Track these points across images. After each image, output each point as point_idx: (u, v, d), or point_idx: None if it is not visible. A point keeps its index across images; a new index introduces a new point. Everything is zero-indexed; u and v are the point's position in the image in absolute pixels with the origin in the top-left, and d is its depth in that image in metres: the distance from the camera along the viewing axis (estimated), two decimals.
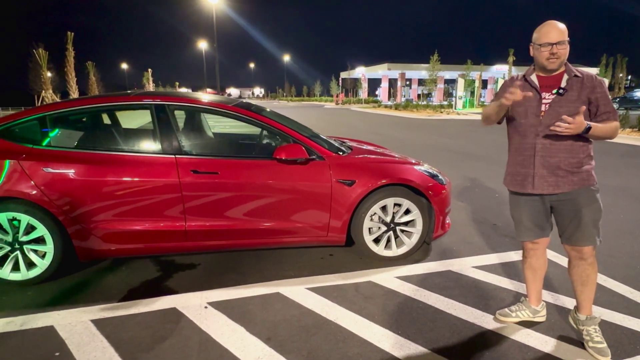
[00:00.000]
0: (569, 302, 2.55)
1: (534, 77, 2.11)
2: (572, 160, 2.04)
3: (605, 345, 2.09)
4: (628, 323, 2.35)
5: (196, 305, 2.55)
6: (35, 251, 2.77)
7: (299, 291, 2.73)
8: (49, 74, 25.63)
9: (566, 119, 1.86)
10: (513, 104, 2.07)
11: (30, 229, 2.72)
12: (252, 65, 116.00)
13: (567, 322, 2.34)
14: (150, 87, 51.74)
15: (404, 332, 2.28)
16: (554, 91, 2.03)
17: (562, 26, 1.97)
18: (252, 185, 2.92)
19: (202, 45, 47.25)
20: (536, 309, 2.38)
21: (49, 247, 2.74)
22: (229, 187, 2.88)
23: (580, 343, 2.16)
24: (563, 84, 2.01)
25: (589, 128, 1.90)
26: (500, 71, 41.59)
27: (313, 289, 2.76)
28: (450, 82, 52.47)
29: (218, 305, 2.55)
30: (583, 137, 2.00)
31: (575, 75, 2.01)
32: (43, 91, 24.32)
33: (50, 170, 2.70)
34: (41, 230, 2.71)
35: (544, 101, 2.05)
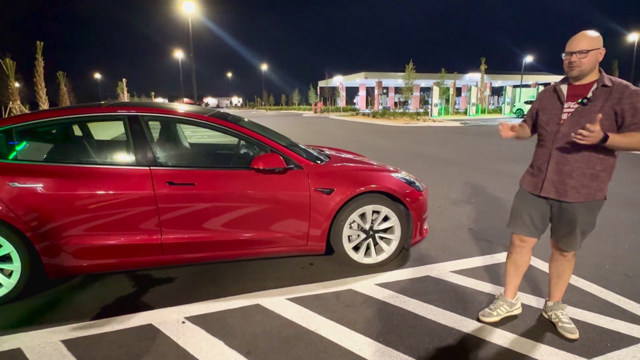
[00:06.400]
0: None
1: (564, 87, 2.14)
2: (587, 171, 2.05)
3: (573, 325, 2.30)
4: (599, 321, 2.43)
5: (173, 321, 2.48)
6: (0, 270, 2.64)
7: (279, 302, 2.70)
8: (17, 85, 24.75)
9: (588, 127, 1.84)
10: (539, 113, 2.23)
11: None
12: (229, 74, 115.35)
13: (543, 324, 2.42)
14: (125, 97, 50.71)
15: (384, 339, 2.28)
16: (579, 101, 2.05)
17: (589, 35, 1.98)
18: (230, 196, 2.88)
19: (179, 54, 46.70)
20: (512, 301, 2.48)
21: (16, 265, 2.62)
22: (205, 198, 2.84)
23: (557, 343, 2.22)
24: (589, 94, 2.02)
25: (606, 138, 1.87)
26: (473, 79, 42.82)
27: (293, 299, 2.73)
28: (426, 90, 53.67)
29: (196, 320, 2.49)
30: (605, 149, 2.00)
31: (604, 85, 1.99)
32: (10, 102, 23.45)
33: (17, 184, 2.59)
34: (7, 247, 2.59)
35: (565, 110, 2.09)
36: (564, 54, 2.05)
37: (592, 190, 2.08)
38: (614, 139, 1.90)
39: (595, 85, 2.03)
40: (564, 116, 2.09)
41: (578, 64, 1.99)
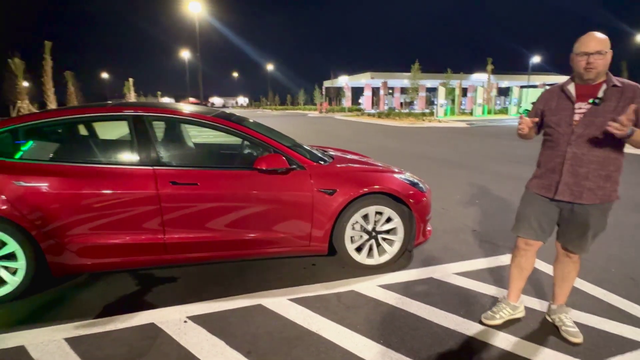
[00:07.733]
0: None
1: (571, 87, 2.11)
2: (602, 172, 2.04)
3: (577, 329, 2.27)
4: (603, 325, 2.41)
5: (175, 320, 2.49)
6: (6, 268, 2.67)
7: (281, 302, 2.70)
8: (25, 84, 25.02)
9: (627, 116, 1.79)
10: (546, 114, 2.16)
11: (0, 245, 2.62)
12: (235, 74, 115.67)
13: (547, 328, 2.40)
14: (132, 96, 51.05)
15: (386, 341, 2.28)
16: (590, 101, 2.02)
17: (601, 37, 1.97)
18: (233, 196, 2.89)
19: (185, 54, 46.97)
20: (515, 305, 2.46)
21: (21, 264, 2.65)
22: (209, 198, 2.85)
23: (560, 347, 2.20)
24: (600, 94, 2.01)
25: (631, 133, 1.85)
26: (479, 80, 42.56)
27: (295, 300, 2.73)
28: (432, 91, 53.49)
29: (198, 319, 2.50)
30: (616, 149, 2.00)
31: (615, 85, 1.99)
32: (19, 101, 23.73)
33: (22, 183, 2.62)
34: (12, 246, 2.62)
35: (577, 111, 2.05)
36: (577, 55, 2.00)
37: (607, 191, 2.06)
38: (637, 134, 1.87)
39: (605, 86, 2.01)
40: (577, 117, 2.06)
41: (595, 66, 1.96)
